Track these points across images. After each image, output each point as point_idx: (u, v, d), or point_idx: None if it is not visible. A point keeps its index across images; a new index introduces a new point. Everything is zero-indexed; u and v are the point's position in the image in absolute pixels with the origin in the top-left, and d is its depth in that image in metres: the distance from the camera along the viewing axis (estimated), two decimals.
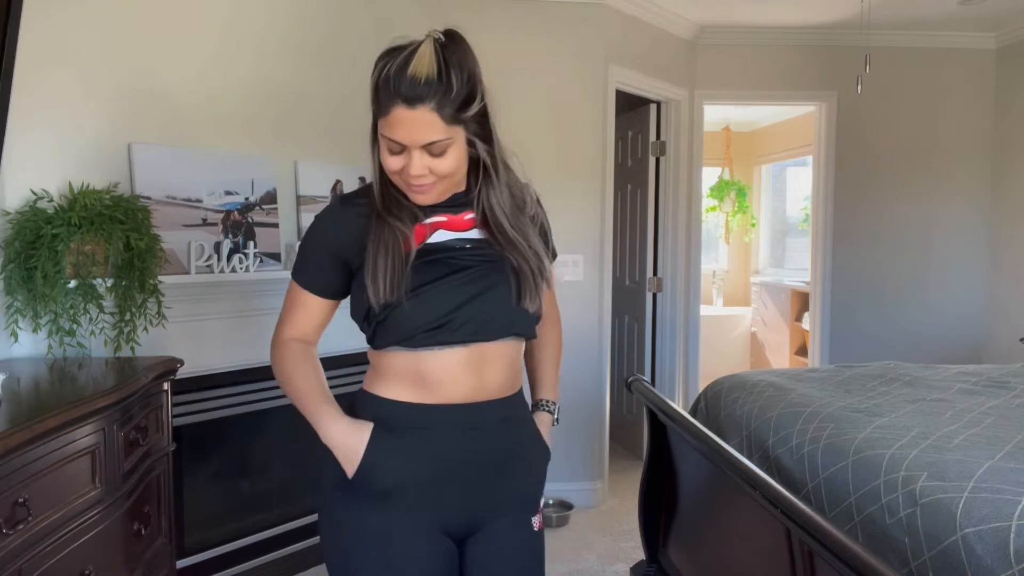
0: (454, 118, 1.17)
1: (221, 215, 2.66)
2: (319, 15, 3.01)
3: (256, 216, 2.77)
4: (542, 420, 1.43)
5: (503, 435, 1.31)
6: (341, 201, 1.32)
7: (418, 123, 1.15)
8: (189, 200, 2.58)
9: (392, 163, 1.21)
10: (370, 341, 1.30)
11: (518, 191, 1.35)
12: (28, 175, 2.21)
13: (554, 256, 1.47)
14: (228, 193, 2.69)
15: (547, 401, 1.46)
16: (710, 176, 6.99)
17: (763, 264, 7.31)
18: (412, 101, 1.14)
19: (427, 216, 1.29)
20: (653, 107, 4.27)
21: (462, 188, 1.30)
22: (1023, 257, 4.27)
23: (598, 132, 3.67)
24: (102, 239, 2.16)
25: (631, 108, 4.40)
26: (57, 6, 2.28)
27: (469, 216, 1.30)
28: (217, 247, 2.60)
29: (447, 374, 1.25)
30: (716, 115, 6.51)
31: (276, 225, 2.83)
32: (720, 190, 7.07)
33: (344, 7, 3.08)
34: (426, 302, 1.22)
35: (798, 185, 6.84)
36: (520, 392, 1.38)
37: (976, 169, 4.49)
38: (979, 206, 4.50)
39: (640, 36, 3.92)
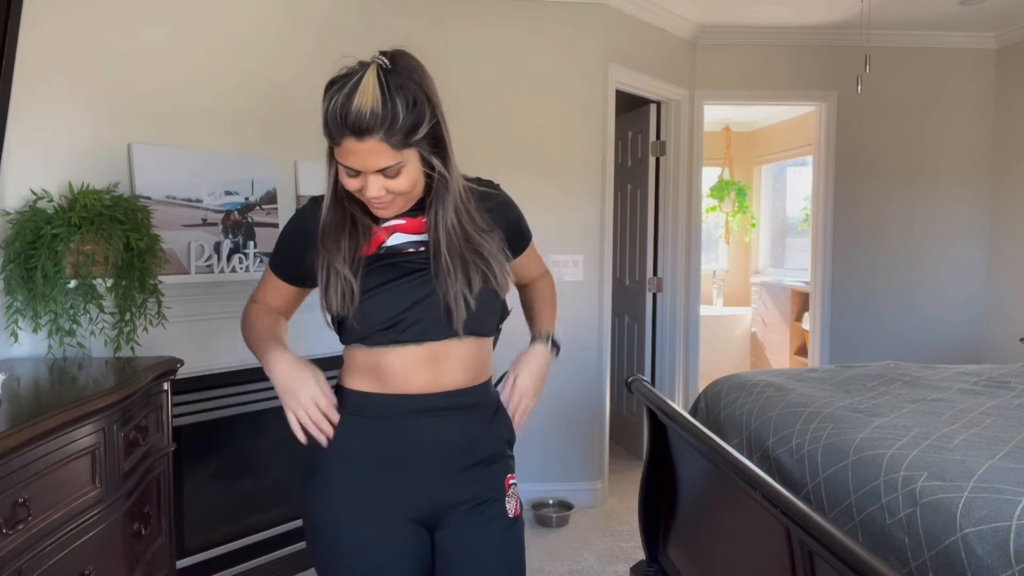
0: (403, 143, 1.20)
1: (221, 215, 2.66)
2: (318, 14, 3.01)
3: (256, 216, 2.77)
4: (538, 352, 1.47)
5: (461, 421, 1.35)
6: (312, 203, 1.38)
7: (368, 152, 1.19)
8: (189, 200, 2.58)
9: (350, 184, 1.26)
10: (338, 335, 1.38)
11: (469, 207, 1.35)
12: (28, 175, 2.21)
13: (529, 238, 1.54)
14: (228, 193, 2.69)
15: (544, 333, 1.51)
16: (710, 176, 6.98)
17: (763, 264, 7.31)
18: (360, 134, 1.17)
19: (385, 219, 1.33)
20: (653, 107, 4.27)
21: (422, 194, 1.33)
22: (1023, 257, 4.27)
23: (598, 132, 3.66)
24: (102, 239, 2.16)
25: (631, 108, 4.40)
26: (57, 7, 2.28)
27: (424, 219, 1.34)
28: (217, 247, 2.60)
29: (401, 370, 1.31)
30: (716, 115, 6.51)
31: (276, 225, 2.83)
32: (720, 190, 7.07)
33: (343, 6, 3.08)
34: (378, 304, 1.29)
35: (798, 185, 6.83)
36: (486, 383, 1.41)
37: (976, 169, 4.49)
38: (979, 206, 4.50)
39: (640, 36, 3.92)
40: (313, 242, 1.32)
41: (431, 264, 1.30)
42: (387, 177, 1.22)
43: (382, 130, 1.17)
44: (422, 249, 1.32)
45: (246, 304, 1.47)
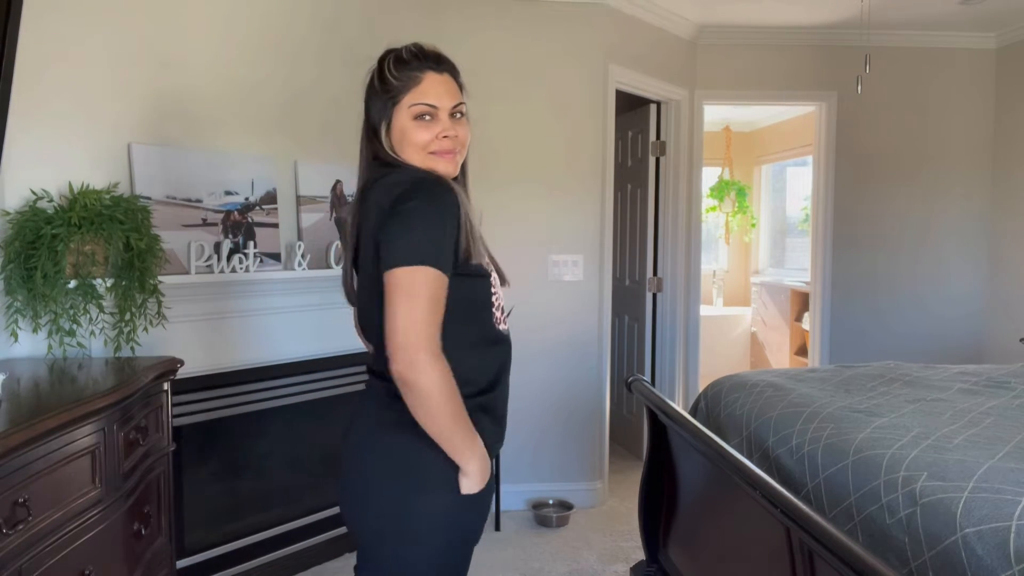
0: (462, 90, 1.37)
1: (221, 215, 2.66)
2: (318, 15, 3.01)
3: (256, 216, 2.77)
4: None
5: None
6: (433, 183, 1.27)
7: (446, 84, 1.33)
8: (189, 200, 2.58)
9: (421, 135, 1.31)
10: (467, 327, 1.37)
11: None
12: (28, 175, 2.21)
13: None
14: (228, 193, 2.69)
15: None
16: (710, 176, 6.98)
17: (763, 264, 7.31)
18: (440, 67, 1.33)
19: None
20: (653, 107, 4.27)
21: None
22: (1023, 257, 4.27)
23: (598, 132, 3.66)
24: (102, 239, 2.16)
25: (631, 108, 4.39)
26: (57, 6, 2.28)
27: None
28: (217, 247, 2.60)
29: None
30: (716, 115, 6.50)
31: (276, 225, 2.83)
32: (720, 190, 7.06)
33: (343, 7, 3.08)
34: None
35: (798, 185, 6.83)
36: None
37: (976, 169, 4.49)
38: (979, 206, 4.50)
39: (640, 36, 3.92)
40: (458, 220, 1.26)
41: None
42: (455, 121, 1.33)
43: (451, 70, 1.35)
44: None
45: (431, 361, 1.18)
